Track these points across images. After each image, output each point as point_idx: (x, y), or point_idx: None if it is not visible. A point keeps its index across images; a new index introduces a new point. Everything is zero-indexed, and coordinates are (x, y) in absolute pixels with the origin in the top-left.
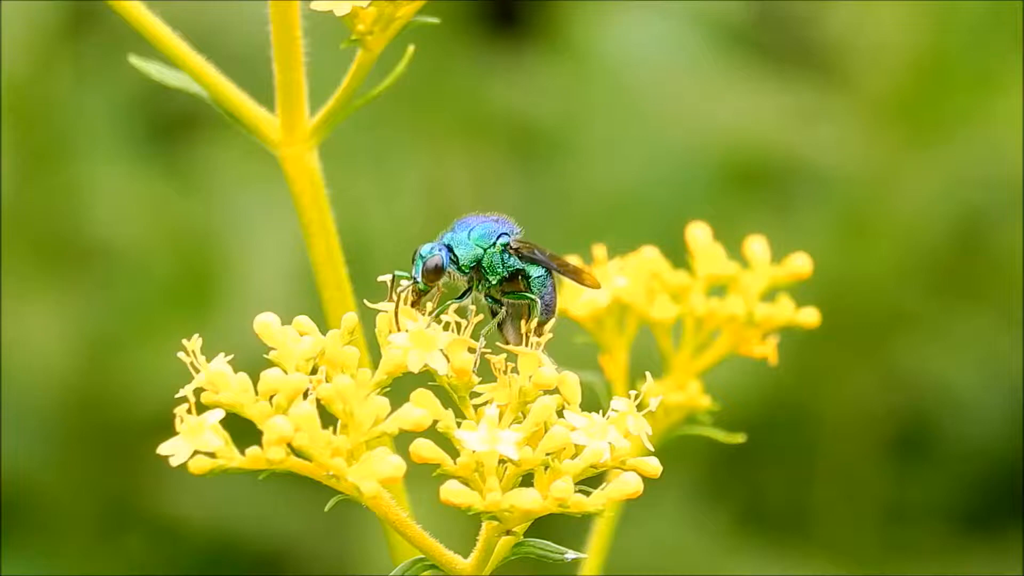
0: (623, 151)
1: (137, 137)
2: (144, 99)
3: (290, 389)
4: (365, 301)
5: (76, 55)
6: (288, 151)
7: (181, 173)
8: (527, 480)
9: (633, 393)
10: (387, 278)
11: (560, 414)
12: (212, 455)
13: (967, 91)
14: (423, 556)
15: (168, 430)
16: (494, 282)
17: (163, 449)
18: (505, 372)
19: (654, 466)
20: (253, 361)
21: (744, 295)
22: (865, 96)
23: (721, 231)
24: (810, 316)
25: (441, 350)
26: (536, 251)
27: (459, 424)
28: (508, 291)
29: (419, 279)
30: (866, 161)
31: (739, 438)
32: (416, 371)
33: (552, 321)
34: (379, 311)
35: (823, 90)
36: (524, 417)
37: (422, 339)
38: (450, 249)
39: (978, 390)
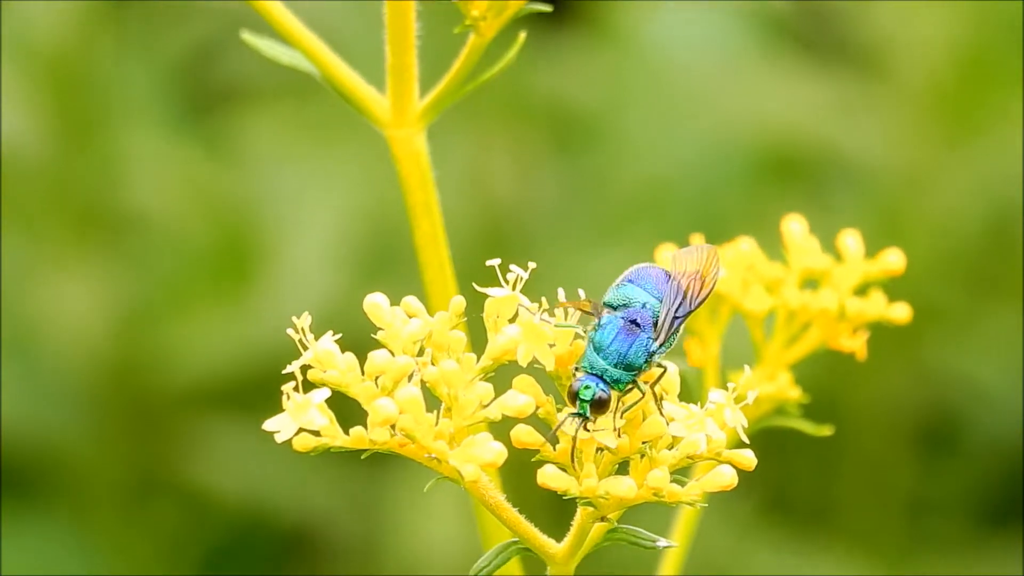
0: (663, 140)
1: (177, 109)
2: (185, 71)
3: (396, 371)
4: (475, 285)
5: (118, 25)
6: (397, 132)
7: (220, 146)
8: (623, 468)
9: (731, 385)
10: (495, 262)
11: (659, 404)
12: (316, 433)
13: (1007, 89)
14: (517, 539)
15: (200, 403)
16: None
17: (268, 425)
18: None
19: (749, 459)
20: (289, 338)
21: (836, 289)
22: (904, 92)
23: (756, 221)
24: (901, 312)
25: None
26: (677, 319)
27: (559, 410)
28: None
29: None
30: (903, 156)
31: (827, 431)
32: (524, 364)
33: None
34: (488, 295)
35: (862, 85)
36: (623, 406)
37: (533, 332)
38: (613, 383)
39: (1006, 386)
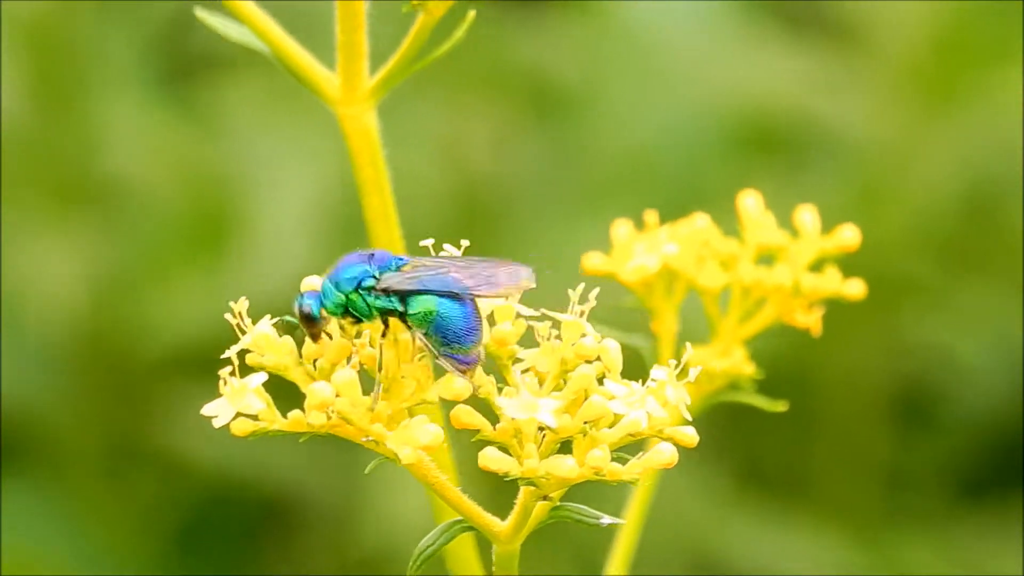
0: (642, 112)
1: (156, 77)
2: (164, 39)
3: (334, 353)
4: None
5: None
6: (347, 110)
7: (198, 115)
8: (565, 447)
9: (673, 362)
10: (429, 243)
11: (600, 382)
12: (255, 417)
13: (985, 64)
14: (461, 518)
15: (178, 371)
16: (372, 322)
17: (207, 410)
18: (548, 339)
19: (690, 436)
20: (266, 306)
21: (792, 265)
22: (883, 66)
23: (734, 193)
24: (856, 288)
25: (485, 319)
26: (417, 282)
27: (500, 390)
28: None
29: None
30: (882, 130)
31: (781, 406)
32: None
33: (476, 351)
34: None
35: (842, 59)
36: (565, 385)
37: None
38: (323, 297)
39: (982, 359)
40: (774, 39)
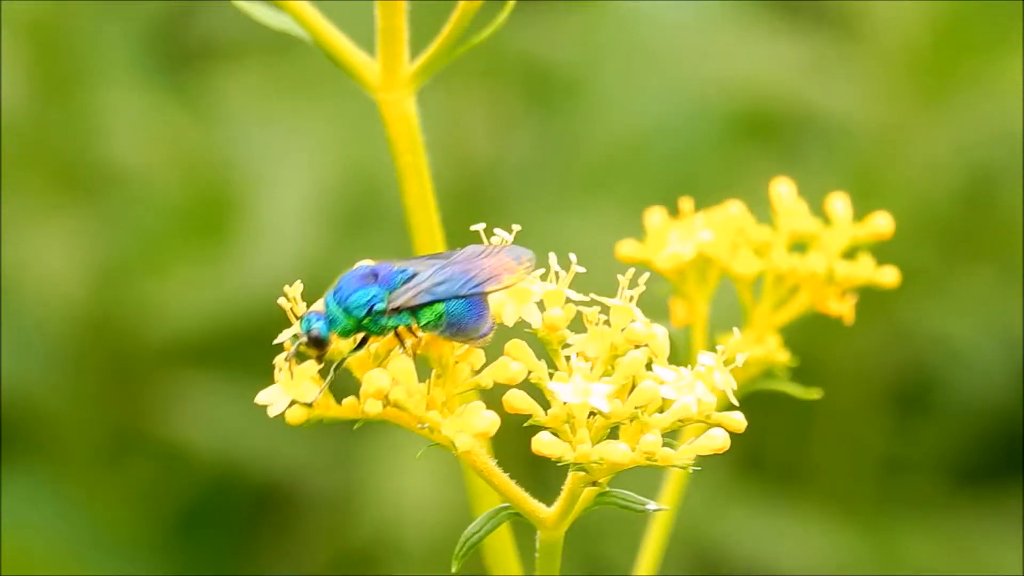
0: (638, 99)
1: (155, 65)
2: (163, 27)
3: (388, 339)
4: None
5: None
6: (386, 96)
7: (197, 103)
8: (612, 433)
9: (720, 348)
10: (480, 227)
11: (648, 368)
12: (309, 405)
13: (983, 51)
14: (507, 504)
15: (178, 359)
16: (384, 336)
17: (260, 398)
18: (597, 325)
19: (739, 421)
20: (266, 294)
21: (825, 253)
22: (880, 53)
23: (731, 180)
24: (890, 276)
25: (536, 303)
26: (428, 295)
27: (551, 375)
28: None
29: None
30: (878, 117)
31: (815, 394)
32: (510, 324)
33: (483, 340)
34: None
35: (838, 45)
36: (613, 370)
37: (517, 292)
38: (332, 323)
39: (980, 346)
40: (770, 27)
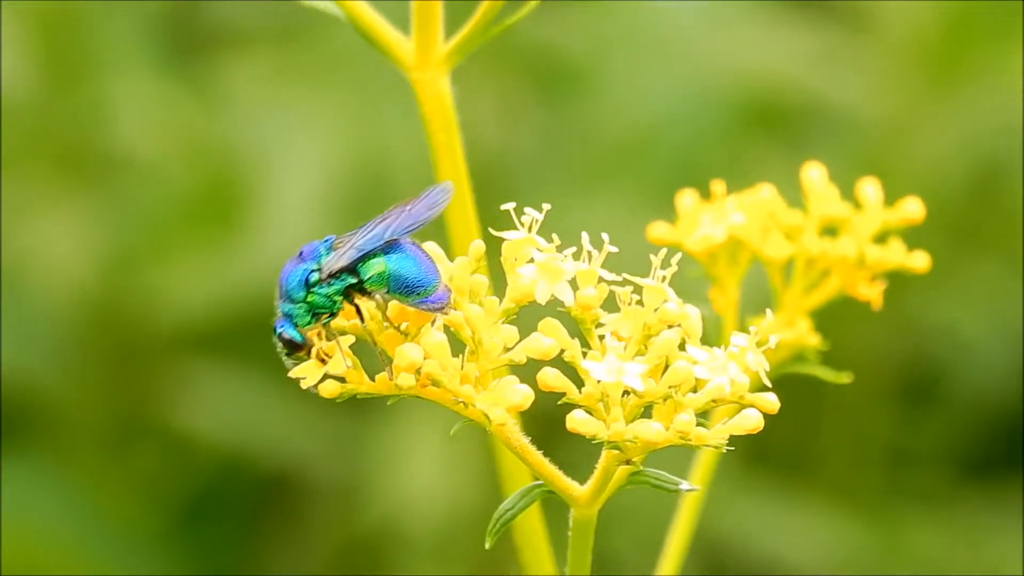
0: (647, 88)
1: (164, 52)
2: (172, 14)
3: (419, 316)
4: (490, 229)
5: None
6: (421, 75)
7: (206, 90)
8: (646, 412)
9: (753, 329)
10: (510, 206)
11: (681, 348)
12: (342, 380)
13: (990, 43)
14: (541, 482)
15: (184, 346)
16: (342, 305)
17: (294, 373)
18: (630, 305)
19: (772, 402)
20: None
21: (856, 237)
22: (888, 43)
23: (739, 169)
24: (921, 260)
25: (568, 282)
26: (353, 250)
27: (584, 354)
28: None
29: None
30: (886, 107)
31: (845, 378)
32: (543, 302)
33: (440, 289)
34: (504, 239)
35: (847, 35)
36: (647, 349)
37: (549, 270)
38: (289, 317)
39: (986, 338)
40: (778, 17)
